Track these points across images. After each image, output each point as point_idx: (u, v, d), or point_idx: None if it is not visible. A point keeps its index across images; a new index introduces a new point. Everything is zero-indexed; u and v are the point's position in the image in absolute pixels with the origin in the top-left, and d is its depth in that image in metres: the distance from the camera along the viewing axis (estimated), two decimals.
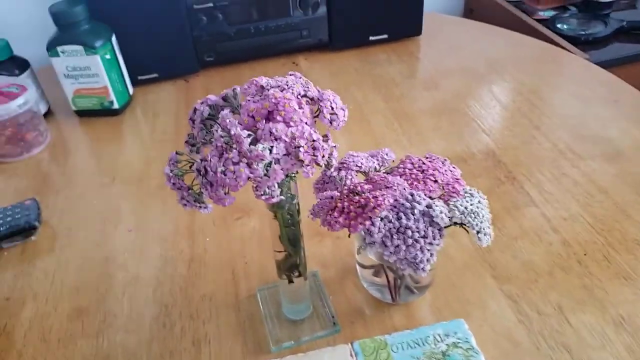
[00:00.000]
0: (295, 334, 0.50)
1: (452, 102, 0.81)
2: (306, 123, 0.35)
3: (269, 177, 0.33)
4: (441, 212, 0.42)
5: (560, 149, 0.70)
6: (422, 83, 0.87)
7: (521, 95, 0.82)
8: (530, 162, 0.68)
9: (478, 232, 0.42)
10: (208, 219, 0.63)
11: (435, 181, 0.46)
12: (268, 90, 0.37)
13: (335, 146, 0.37)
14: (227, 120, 0.35)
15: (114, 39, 0.77)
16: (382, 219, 0.42)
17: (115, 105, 0.80)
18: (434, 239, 0.42)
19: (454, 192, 0.45)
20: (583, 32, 1.15)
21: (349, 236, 0.43)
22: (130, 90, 0.83)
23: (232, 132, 0.34)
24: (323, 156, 0.35)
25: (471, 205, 0.43)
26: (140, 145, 0.77)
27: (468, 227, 0.42)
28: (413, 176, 0.46)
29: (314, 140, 0.35)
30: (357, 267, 0.53)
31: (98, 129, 0.81)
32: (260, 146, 0.33)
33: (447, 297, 0.52)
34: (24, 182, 0.71)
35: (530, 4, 1.28)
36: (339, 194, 0.44)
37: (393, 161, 0.50)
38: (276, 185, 0.34)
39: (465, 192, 0.44)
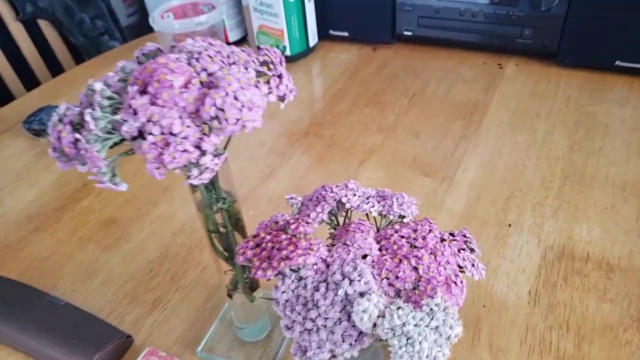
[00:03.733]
0: (229, 352, 0.42)
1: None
2: (184, 108, 0.26)
3: (85, 152, 0.26)
4: (364, 312, 0.28)
5: None
6: (632, 143, 0.59)
7: None
8: None
9: None
10: (262, 199, 0.57)
11: (415, 268, 0.30)
12: (174, 51, 0.28)
13: (218, 155, 0.27)
14: (106, 77, 0.29)
15: None
16: (300, 279, 0.30)
17: (288, 52, 0.77)
18: (342, 340, 0.28)
19: (424, 293, 0.29)
20: None
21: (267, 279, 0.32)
22: (313, 41, 0.79)
23: (95, 88, 0.27)
24: (174, 158, 0.26)
25: (415, 324, 0.27)
26: (294, 102, 0.72)
27: (391, 351, 0.27)
28: (395, 246, 0.32)
29: (172, 134, 0.26)
30: None
31: None
32: (98, 113, 0.26)
33: None
34: None
35: None
36: (283, 222, 0.33)
37: (404, 217, 0.35)
38: (104, 169, 0.27)
39: (428, 304, 0.28)
